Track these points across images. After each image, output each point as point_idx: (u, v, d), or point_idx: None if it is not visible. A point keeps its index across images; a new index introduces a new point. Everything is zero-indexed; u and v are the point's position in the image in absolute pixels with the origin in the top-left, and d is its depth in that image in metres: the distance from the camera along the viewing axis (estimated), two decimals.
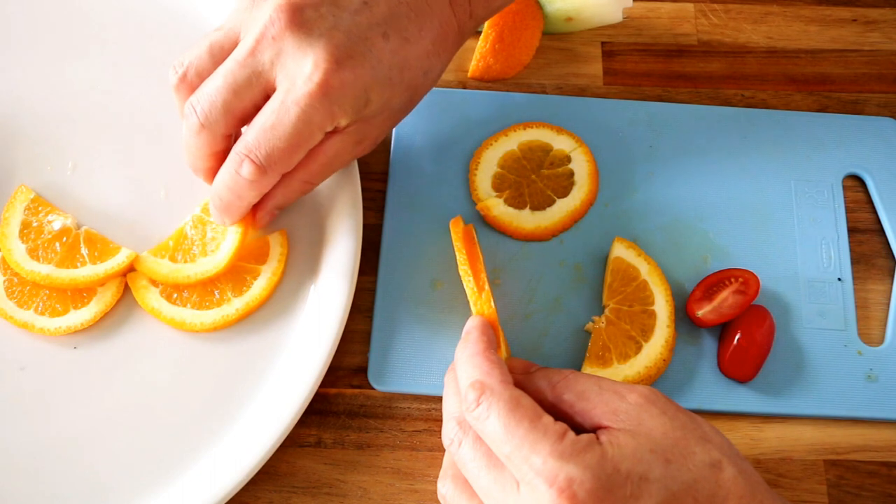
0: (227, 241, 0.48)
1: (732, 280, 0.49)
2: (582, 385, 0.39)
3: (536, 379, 0.40)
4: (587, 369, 0.47)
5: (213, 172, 0.45)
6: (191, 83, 0.43)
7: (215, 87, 0.42)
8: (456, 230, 0.47)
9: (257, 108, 0.42)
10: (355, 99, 0.42)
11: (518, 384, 0.39)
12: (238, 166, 0.42)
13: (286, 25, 0.40)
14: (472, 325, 0.43)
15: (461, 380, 0.40)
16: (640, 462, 0.35)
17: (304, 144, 0.42)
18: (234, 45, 0.43)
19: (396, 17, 0.42)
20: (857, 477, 0.47)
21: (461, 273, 0.46)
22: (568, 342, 0.49)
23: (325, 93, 0.40)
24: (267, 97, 0.42)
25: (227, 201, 0.45)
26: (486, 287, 0.45)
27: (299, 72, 0.41)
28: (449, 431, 0.39)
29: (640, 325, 0.48)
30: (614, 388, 0.39)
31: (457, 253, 0.46)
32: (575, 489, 0.34)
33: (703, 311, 0.49)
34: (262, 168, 0.42)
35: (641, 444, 0.36)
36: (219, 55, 0.43)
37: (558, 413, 0.39)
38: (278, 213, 0.48)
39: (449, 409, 0.41)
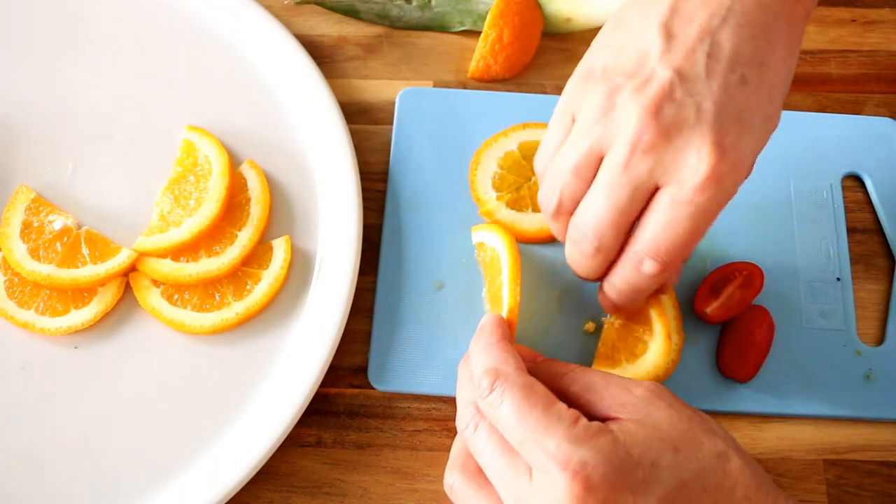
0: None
1: (737, 274, 0.50)
2: (588, 378, 0.39)
3: (543, 369, 0.41)
4: (597, 367, 0.47)
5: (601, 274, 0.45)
6: (567, 209, 0.43)
7: (601, 211, 0.41)
8: (508, 238, 0.48)
9: (642, 211, 0.41)
10: (745, 168, 0.41)
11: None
12: (638, 265, 0.42)
13: (655, 135, 0.39)
14: (487, 319, 0.43)
15: (475, 368, 0.40)
16: (650, 449, 0.36)
17: (701, 234, 0.41)
18: (598, 160, 0.41)
19: (743, 45, 0.39)
20: (857, 476, 0.48)
21: (507, 279, 0.46)
22: (569, 342, 0.49)
23: (718, 181, 0.39)
24: (650, 199, 0.41)
25: (627, 296, 0.44)
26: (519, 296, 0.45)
27: (685, 170, 0.39)
28: (465, 416, 0.39)
29: (648, 326, 0.48)
30: (620, 382, 0.39)
31: (508, 259, 0.46)
32: (588, 472, 0.34)
33: (712, 308, 0.49)
34: (664, 265, 0.41)
35: (650, 433, 0.36)
36: (587, 175, 0.41)
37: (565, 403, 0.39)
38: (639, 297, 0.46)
39: (463, 396, 0.41)
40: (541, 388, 0.37)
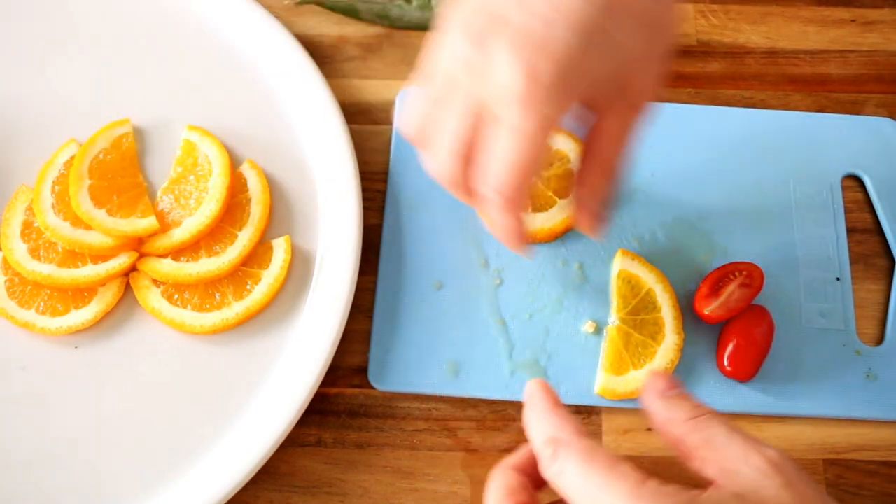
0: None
1: (737, 273, 0.50)
2: (712, 430, 0.36)
3: (673, 404, 0.38)
4: (605, 376, 0.48)
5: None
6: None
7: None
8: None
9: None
10: (565, 89, 0.38)
11: (649, 400, 0.38)
12: (488, 203, 0.41)
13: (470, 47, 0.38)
14: (533, 387, 0.39)
15: (535, 438, 0.37)
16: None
17: (537, 158, 0.39)
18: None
19: None
20: (856, 476, 0.48)
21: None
22: (569, 342, 0.49)
23: (529, 103, 0.37)
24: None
25: (500, 229, 0.43)
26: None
27: (496, 88, 0.38)
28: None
29: (650, 331, 0.48)
30: (743, 444, 0.35)
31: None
32: None
33: (711, 308, 0.49)
34: (508, 200, 0.40)
35: None
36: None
37: (681, 450, 0.37)
38: (606, 212, 0.45)
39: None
40: (603, 451, 0.35)
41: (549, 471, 0.35)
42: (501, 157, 0.39)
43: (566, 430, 0.36)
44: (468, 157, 0.41)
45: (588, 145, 0.43)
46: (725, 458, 0.34)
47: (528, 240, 0.45)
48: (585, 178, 0.44)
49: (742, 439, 0.35)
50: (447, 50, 0.40)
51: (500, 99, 0.38)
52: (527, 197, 0.41)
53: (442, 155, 0.41)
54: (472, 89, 0.39)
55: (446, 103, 0.40)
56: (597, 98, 0.41)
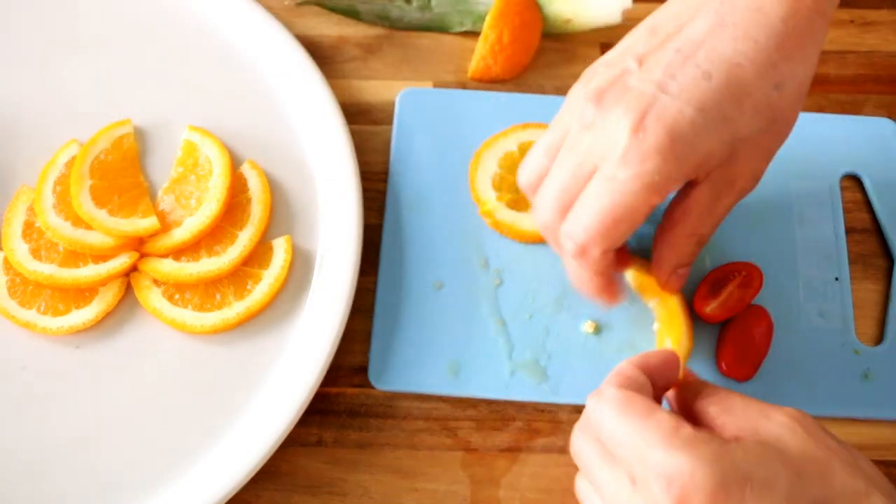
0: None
1: (736, 274, 0.50)
2: (729, 400, 0.37)
3: (688, 383, 0.39)
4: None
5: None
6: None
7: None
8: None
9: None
10: (677, 158, 0.38)
11: (676, 393, 0.39)
12: (563, 245, 0.42)
13: (593, 111, 0.39)
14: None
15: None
16: (765, 467, 0.33)
17: (623, 216, 0.39)
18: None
19: (718, 42, 0.38)
20: None
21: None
22: (569, 342, 0.50)
23: (636, 158, 0.38)
24: None
25: (576, 281, 0.44)
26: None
27: (609, 145, 0.39)
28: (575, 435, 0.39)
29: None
30: (761, 406, 0.36)
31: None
32: (685, 483, 0.32)
33: (711, 308, 0.49)
34: (580, 244, 0.40)
35: (772, 454, 0.33)
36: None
37: (699, 423, 0.37)
38: (684, 271, 0.46)
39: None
40: (640, 399, 0.36)
41: (586, 411, 0.37)
42: (588, 204, 0.39)
43: (610, 382, 0.37)
44: (567, 208, 0.41)
45: (674, 210, 0.43)
46: (746, 418, 0.35)
47: (615, 296, 0.45)
48: (670, 241, 0.44)
49: (759, 402, 0.36)
50: (568, 106, 0.41)
51: (606, 153, 0.39)
52: (609, 257, 0.41)
53: (543, 203, 0.42)
54: (585, 145, 0.40)
55: (559, 156, 0.41)
56: (699, 172, 0.41)
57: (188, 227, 0.49)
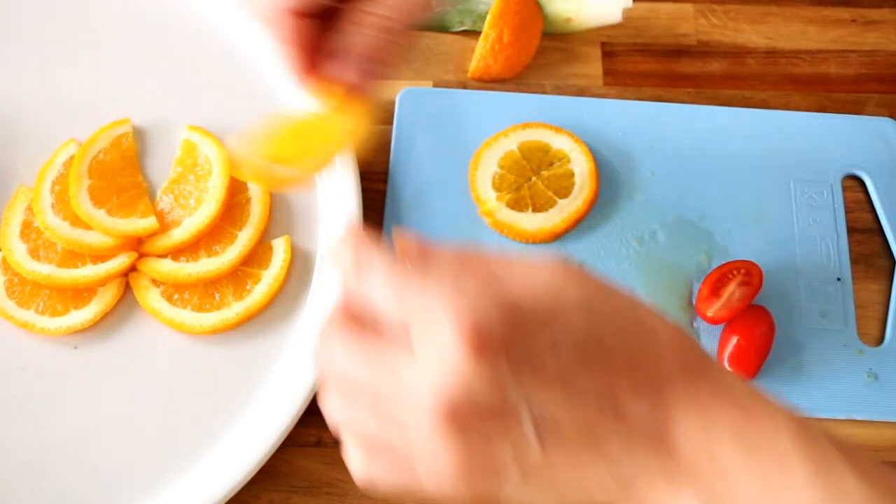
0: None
1: (735, 273, 0.50)
2: (490, 266, 0.33)
3: (433, 259, 0.34)
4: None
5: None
6: None
7: None
8: None
9: None
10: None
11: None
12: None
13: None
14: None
15: (341, 279, 0.34)
16: (553, 298, 0.31)
17: None
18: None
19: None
20: None
21: None
22: None
23: None
24: None
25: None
26: None
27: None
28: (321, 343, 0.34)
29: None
30: (526, 268, 0.33)
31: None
32: (474, 317, 0.29)
33: (714, 310, 0.49)
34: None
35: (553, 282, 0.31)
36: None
37: None
38: (380, 71, 0.42)
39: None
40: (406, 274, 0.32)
41: (360, 293, 0.33)
42: None
43: (367, 255, 0.33)
44: None
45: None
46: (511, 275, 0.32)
47: (310, 75, 0.42)
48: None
49: (521, 261, 0.33)
50: None
51: None
52: (294, 23, 0.41)
53: None
54: None
55: None
56: None
57: (187, 226, 0.49)
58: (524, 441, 0.30)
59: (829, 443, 0.31)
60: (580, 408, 0.30)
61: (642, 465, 0.31)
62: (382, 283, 0.32)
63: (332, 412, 0.34)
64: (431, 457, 0.31)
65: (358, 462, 0.33)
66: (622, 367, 0.31)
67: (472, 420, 0.30)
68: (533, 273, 0.33)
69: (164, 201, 0.50)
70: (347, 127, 0.42)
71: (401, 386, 0.31)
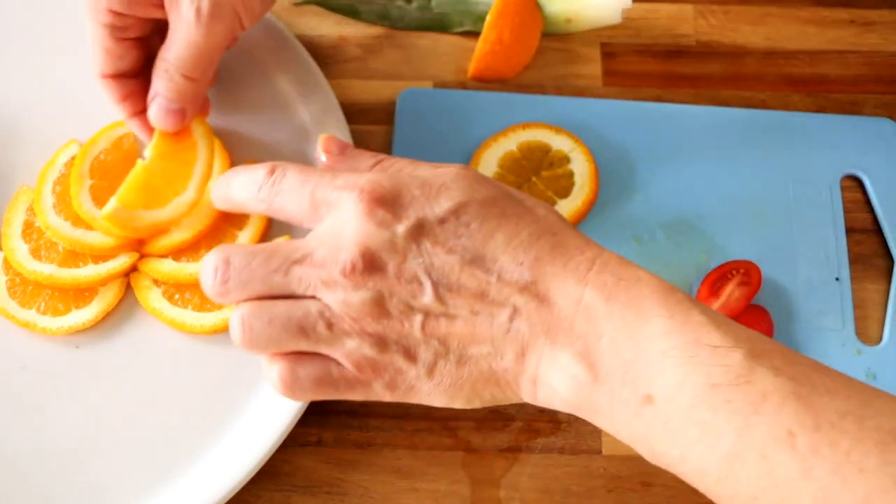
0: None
1: (734, 273, 0.50)
2: (399, 165, 0.40)
3: (350, 154, 0.41)
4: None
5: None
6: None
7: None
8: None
9: None
10: None
11: (333, 165, 0.41)
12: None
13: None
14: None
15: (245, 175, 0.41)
16: (445, 176, 0.37)
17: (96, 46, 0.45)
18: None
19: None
20: None
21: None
22: None
23: None
24: None
25: None
26: None
27: None
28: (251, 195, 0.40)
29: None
30: (429, 166, 0.39)
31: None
32: (374, 186, 0.35)
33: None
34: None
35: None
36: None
37: None
38: (168, 104, 0.46)
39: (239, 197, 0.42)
40: (317, 169, 0.39)
41: (267, 182, 0.39)
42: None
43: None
44: None
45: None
46: (416, 178, 0.37)
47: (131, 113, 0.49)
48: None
49: (426, 164, 0.39)
50: None
51: None
52: (109, 84, 0.47)
53: None
54: None
55: None
56: None
57: (188, 226, 0.49)
58: (423, 293, 0.35)
59: (688, 299, 0.35)
60: (469, 271, 0.35)
61: (528, 322, 0.35)
62: (292, 188, 0.38)
63: (244, 329, 0.37)
64: (346, 307, 0.35)
65: (284, 372, 0.37)
66: (504, 236, 0.35)
67: (377, 270, 0.35)
68: (434, 167, 0.38)
69: None
70: (196, 162, 0.48)
71: (310, 259, 0.36)
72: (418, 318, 0.35)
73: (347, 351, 0.36)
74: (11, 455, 0.45)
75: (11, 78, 0.54)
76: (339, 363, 0.36)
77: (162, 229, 0.49)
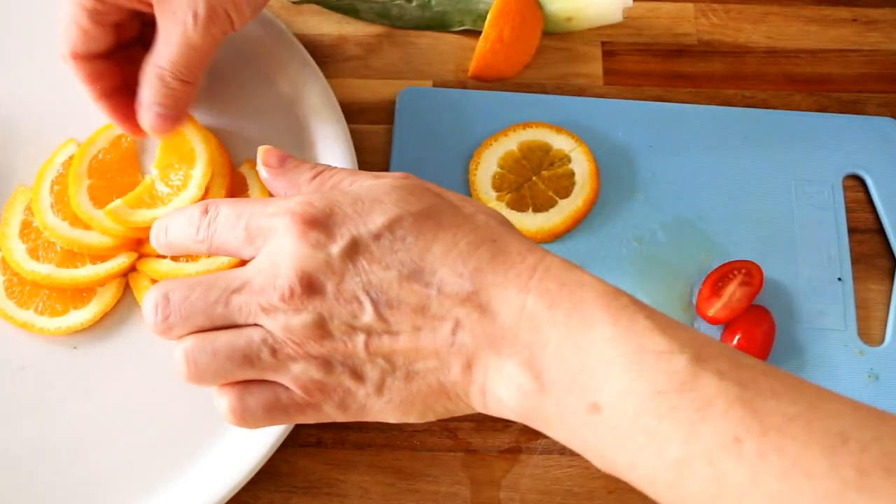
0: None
1: (736, 273, 0.50)
2: (337, 177, 0.39)
3: (289, 168, 0.41)
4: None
5: None
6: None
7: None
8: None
9: None
10: None
11: (272, 178, 0.41)
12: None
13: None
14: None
15: (183, 217, 0.40)
16: (382, 192, 0.36)
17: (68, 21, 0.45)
18: None
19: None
20: None
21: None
22: None
23: None
24: None
25: None
26: None
27: None
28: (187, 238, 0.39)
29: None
30: (370, 175, 0.38)
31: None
32: (306, 208, 0.35)
33: (715, 310, 0.49)
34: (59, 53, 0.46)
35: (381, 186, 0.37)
36: None
37: None
38: (163, 111, 0.47)
39: (180, 240, 0.41)
40: (249, 200, 0.39)
41: (203, 223, 0.38)
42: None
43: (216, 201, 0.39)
44: None
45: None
46: (355, 189, 0.37)
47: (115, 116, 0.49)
48: (143, 78, 0.46)
49: (367, 174, 0.38)
50: None
51: None
52: (83, 66, 0.47)
53: None
54: None
55: None
56: None
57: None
58: (363, 311, 0.34)
59: (633, 303, 0.34)
60: (407, 287, 0.34)
61: (472, 334, 0.34)
62: (226, 224, 0.37)
63: (189, 363, 0.36)
64: (288, 332, 0.35)
65: (233, 402, 0.37)
66: (442, 248, 0.35)
67: (315, 292, 0.34)
68: (373, 178, 0.38)
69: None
70: (196, 161, 0.49)
71: (249, 287, 0.35)
72: (361, 338, 0.35)
73: (294, 375, 0.35)
74: (10, 455, 0.45)
75: (9, 77, 0.54)
76: (287, 388, 0.36)
77: None
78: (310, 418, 0.37)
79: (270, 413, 0.36)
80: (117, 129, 0.52)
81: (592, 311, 0.33)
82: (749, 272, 0.50)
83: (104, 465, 0.45)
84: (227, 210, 0.37)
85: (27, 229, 0.49)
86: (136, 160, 0.52)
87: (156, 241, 0.41)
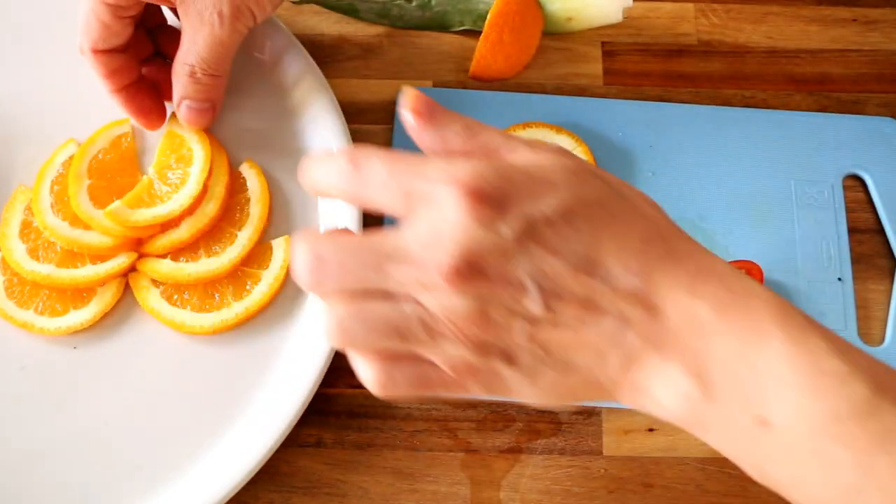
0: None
1: None
2: (488, 135, 0.37)
3: (443, 123, 0.38)
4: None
5: None
6: None
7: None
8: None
9: None
10: None
11: (421, 130, 0.38)
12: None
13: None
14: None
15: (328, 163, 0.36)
16: (546, 169, 0.33)
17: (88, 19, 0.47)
18: None
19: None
20: None
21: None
22: None
23: None
24: None
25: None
26: None
27: None
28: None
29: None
30: (528, 146, 0.35)
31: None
32: (478, 180, 0.31)
33: None
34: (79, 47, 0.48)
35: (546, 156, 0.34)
36: None
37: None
38: (196, 104, 0.49)
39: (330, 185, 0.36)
40: (403, 157, 0.35)
41: (358, 183, 0.34)
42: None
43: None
44: None
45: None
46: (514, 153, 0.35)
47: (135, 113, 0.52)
48: (172, 75, 0.49)
49: (523, 140, 0.36)
50: None
51: None
52: (103, 60, 0.48)
53: None
54: None
55: None
56: None
57: (186, 226, 0.49)
58: (530, 300, 0.32)
59: (806, 320, 0.33)
60: (576, 277, 0.32)
61: (637, 333, 0.33)
62: (379, 179, 0.34)
63: (339, 330, 0.34)
64: (446, 312, 0.32)
65: (380, 376, 0.34)
66: (613, 240, 0.33)
67: (481, 274, 0.32)
68: (530, 149, 0.35)
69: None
70: (193, 159, 0.50)
71: (407, 258, 0.32)
72: (522, 325, 0.33)
73: (447, 356, 0.34)
74: (10, 455, 0.45)
75: (9, 77, 0.54)
76: (434, 365, 0.34)
77: (162, 226, 0.49)
78: (451, 394, 0.35)
79: (415, 388, 0.35)
80: (117, 129, 0.52)
81: (766, 324, 0.32)
82: (749, 272, 0.49)
83: (104, 464, 0.45)
84: (380, 166, 0.34)
85: (27, 229, 0.49)
86: (135, 160, 0.52)
87: (304, 181, 0.37)
